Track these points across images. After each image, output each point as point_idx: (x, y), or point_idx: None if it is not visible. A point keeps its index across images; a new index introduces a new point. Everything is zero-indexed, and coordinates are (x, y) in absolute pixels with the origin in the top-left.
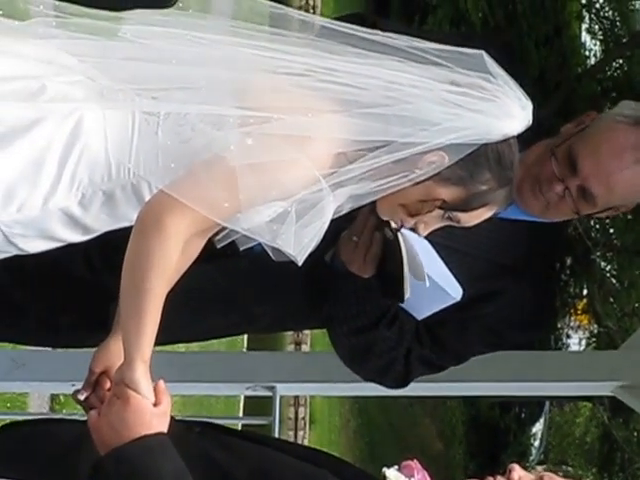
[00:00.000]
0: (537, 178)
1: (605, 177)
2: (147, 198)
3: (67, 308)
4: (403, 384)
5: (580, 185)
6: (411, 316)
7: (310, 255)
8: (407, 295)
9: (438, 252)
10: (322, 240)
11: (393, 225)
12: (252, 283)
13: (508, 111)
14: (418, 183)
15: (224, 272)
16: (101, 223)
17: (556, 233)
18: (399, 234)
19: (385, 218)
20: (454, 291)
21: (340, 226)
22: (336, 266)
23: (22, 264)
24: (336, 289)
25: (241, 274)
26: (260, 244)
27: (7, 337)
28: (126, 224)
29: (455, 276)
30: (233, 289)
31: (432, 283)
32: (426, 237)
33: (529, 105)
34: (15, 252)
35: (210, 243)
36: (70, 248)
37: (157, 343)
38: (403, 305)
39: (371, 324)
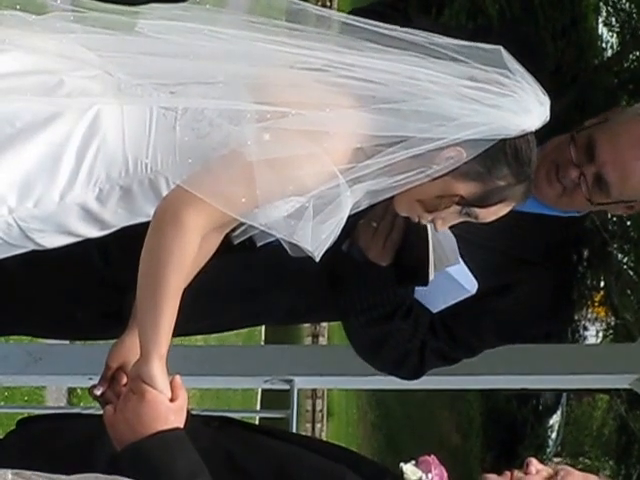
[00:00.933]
0: (554, 163)
1: (621, 166)
2: (164, 193)
3: (83, 301)
4: (417, 376)
5: (596, 172)
6: (426, 309)
7: (328, 247)
8: (431, 277)
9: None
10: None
11: None
12: (270, 275)
13: (526, 107)
14: (436, 179)
15: (242, 264)
16: (118, 218)
17: (572, 226)
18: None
19: (403, 214)
20: (470, 285)
21: (356, 219)
22: (353, 255)
23: (38, 258)
24: (353, 280)
25: (259, 266)
26: (278, 239)
27: (23, 331)
28: (143, 219)
29: (470, 269)
30: (251, 281)
31: (448, 276)
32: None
33: (547, 101)
34: (32, 247)
35: (228, 238)
36: (86, 242)
37: (175, 335)
38: (418, 298)
39: (387, 315)
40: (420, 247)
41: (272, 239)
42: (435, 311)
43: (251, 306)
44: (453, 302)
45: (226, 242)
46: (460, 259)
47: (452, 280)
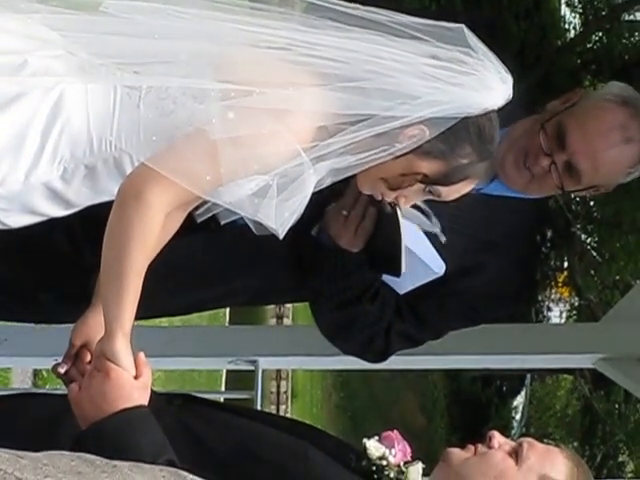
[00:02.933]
0: (523, 152)
1: (592, 154)
2: (129, 172)
3: (48, 283)
4: (383, 358)
5: (567, 160)
6: (393, 291)
7: (293, 228)
8: (404, 269)
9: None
10: (304, 213)
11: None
12: (235, 256)
13: (488, 85)
14: (399, 157)
15: (207, 245)
16: (83, 197)
17: (537, 209)
18: (397, 208)
19: (366, 192)
20: (437, 266)
21: (324, 199)
22: (323, 241)
23: (2, 238)
24: (322, 264)
25: (224, 247)
26: (243, 218)
27: None
28: (108, 198)
29: (438, 251)
30: (216, 262)
31: (415, 258)
32: None
33: (509, 79)
34: None
35: (192, 216)
36: (51, 222)
37: (139, 317)
38: (386, 280)
39: (354, 298)
40: (392, 238)
41: (236, 217)
42: (402, 293)
43: (217, 288)
44: (420, 284)
45: (190, 222)
46: (427, 241)
47: (419, 262)
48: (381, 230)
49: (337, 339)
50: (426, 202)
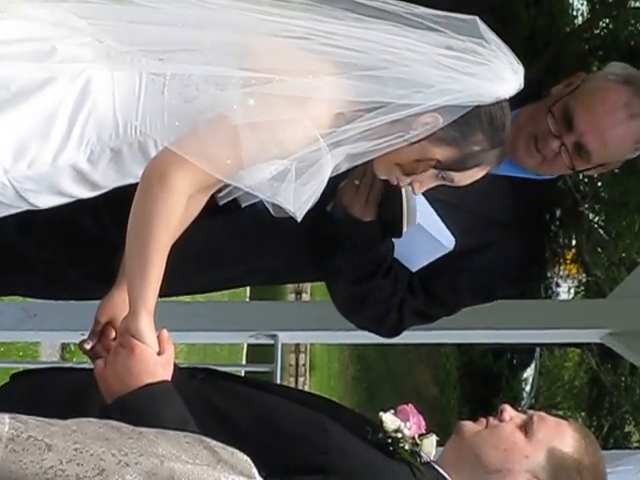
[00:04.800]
0: (532, 135)
1: (600, 133)
2: (153, 155)
3: (75, 262)
4: (396, 333)
5: (576, 141)
6: (405, 268)
7: (311, 210)
8: (404, 230)
9: (433, 205)
10: (321, 195)
11: None
12: (254, 237)
13: (500, 75)
14: (413, 143)
15: (227, 227)
16: (109, 179)
17: (545, 188)
18: None
19: (382, 177)
20: (447, 241)
21: (337, 178)
22: (336, 215)
23: (31, 219)
24: (337, 238)
25: (244, 228)
26: (262, 200)
27: (16, 290)
28: (132, 180)
29: (448, 228)
30: (236, 243)
31: (425, 234)
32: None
33: (521, 69)
34: (26, 207)
35: (213, 198)
36: (78, 203)
37: (160, 295)
38: (398, 257)
39: (369, 274)
40: (395, 202)
41: (256, 200)
42: (414, 269)
43: (236, 268)
44: (432, 259)
45: (211, 205)
46: (436, 215)
47: (429, 237)
48: (387, 197)
49: (351, 314)
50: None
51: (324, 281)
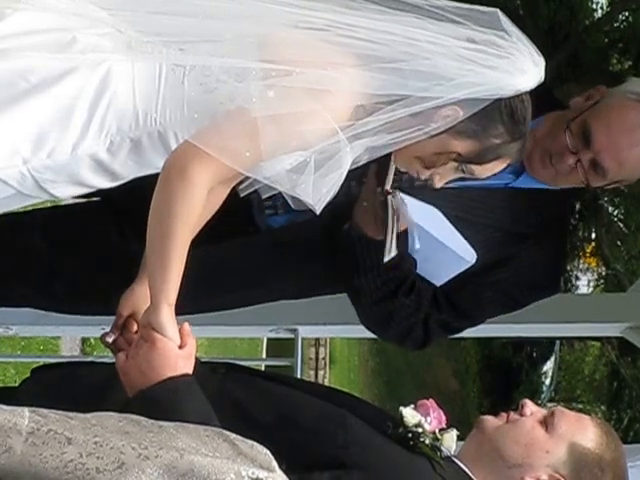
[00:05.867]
0: (548, 150)
1: (617, 152)
2: (173, 146)
3: (98, 275)
4: (423, 346)
5: (592, 158)
6: (430, 284)
7: (325, 226)
8: (386, 258)
9: (454, 224)
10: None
11: (386, 187)
12: (272, 259)
13: (521, 67)
14: (433, 136)
15: (245, 248)
16: (128, 169)
17: (566, 198)
18: (389, 197)
19: (402, 169)
20: (469, 255)
21: (353, 200)
22: (353, 234)
23: (57, 230)
24: (357, 261)
25: (261, 250)
26: (278, 223)
27: (40, 305)
28: (152, 171)
29: (471, 245)
30: (253, 265)
31: (446, 249)
32: (441, 210)
33: (542, 62)
34: (45, 197)
35: (231, 222)
36: (102, 218)
37: (178, 313)
38: (422, 273)
39: (390, 293)
40: (385, 224)
41: (276, 192)
42: (439, 284)
43: (253, 291)
44: (455, 274)
45: (231, 227)
46: (455, 230)
47: (450, 252)
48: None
49: (377, 331)
50: (460, 200)
51: (348, 297)
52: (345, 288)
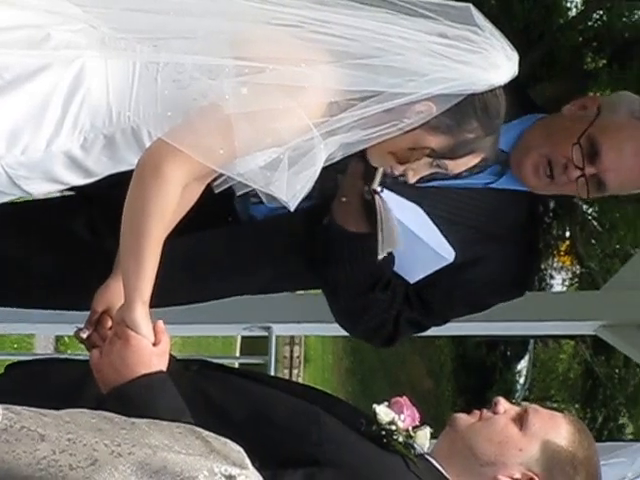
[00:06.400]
0: (546, 159)
1: (623, 173)
2: (147, 144)
3: (71, 272)
4: (391, 343)
5: (596, 174)
6: (403, 280)
7: (306, 219)
8: (380, 256)
9: (434, 221)
10: (318, 208)
11: (374, 186)
12: (251, 249)
13: (494, 62)
14: (407, 132)
15: (224, 238)
16: (102, 166)
17: (542, 198)
18: (377, 196)
19: (376, 165)
20: (446, 253)
21: (332, 193)
22: (333, 229)
23: (27, 226)
24: (337, 255)
25: (240, 241)
26: (262, 212)
27: (14, 302)
28: (126, 167)
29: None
30: (232, 256)
31: (425, 246)
32: (422, 208)
33: (515, 56)
34: (19, 194)
35: (211, 212)
36: (75, 215)
37: (154, 306)
38: (397, 269)
39: (368, 287)
40: (373, 221)
41: (250, 189)
42: (413, 281)
43: (231, 281)
44: (431, 271)
45: (208, 217)
46: (435, 228)
47: (429, 250)
48: (370, 215)
49: (348, 325)
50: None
51: (323, 292)
52: (322, 281)
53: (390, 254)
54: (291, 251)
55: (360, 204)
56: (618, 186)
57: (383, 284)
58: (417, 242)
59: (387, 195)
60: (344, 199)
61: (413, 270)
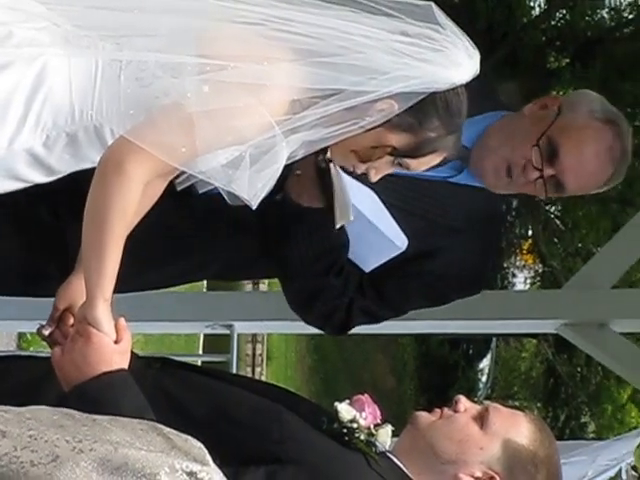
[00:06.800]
0: (506, 160)
1: (582, 175)
2: (109, 141)
3: (34, 257)
4: (343, 331)
5: (554, 176)
6: (358, 268)
7: (262, 202)
8: (338, 225)
9: (388, 209)
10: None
11: (329, 154)
12: (203, 230)
13: (456, 61)
14: (369, 130)
15: (176, 215)
16: (64, 164)
17: (503, 196)
18: (331, 164)
19: (338, 164)
20: (400, 241)
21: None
22: (287, 204)
23: None
24: (291, 230)
25: (193, 220)
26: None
27: None
28: (88, 165)
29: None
30: (185, 236)
31: (379, 233)
32: (377, 194)
33: (476, 54)
34: None
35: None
36: (36, 198)
37: (117, 292)
38: (351, 257)
39: (322, 271)
40: (329, 192)
41: (212, 187)
42: (367, 270)
43: (183, 263)
44: (385, 259)
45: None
46: (390, 216)
47: (383, 237)
48: (324, 185)
49: (301, 309)
50: (393, 186)
51: (277, 276)
52: (277, 266)
53: (345, 237)
54: (242, 233)
55: (315, 175)
56: (577, 187)
57: (337, 269)
58: (370, 227)
59: (343, 176)
60: (298, 172)
61: (367, 258)
